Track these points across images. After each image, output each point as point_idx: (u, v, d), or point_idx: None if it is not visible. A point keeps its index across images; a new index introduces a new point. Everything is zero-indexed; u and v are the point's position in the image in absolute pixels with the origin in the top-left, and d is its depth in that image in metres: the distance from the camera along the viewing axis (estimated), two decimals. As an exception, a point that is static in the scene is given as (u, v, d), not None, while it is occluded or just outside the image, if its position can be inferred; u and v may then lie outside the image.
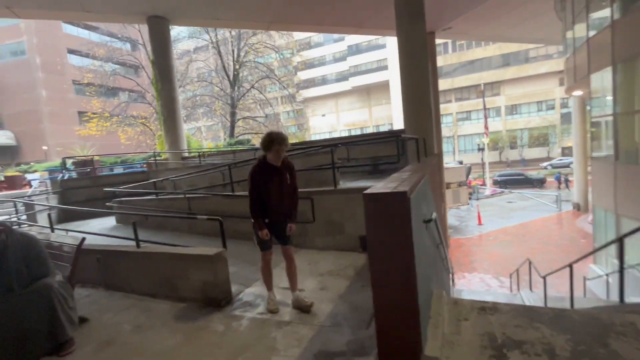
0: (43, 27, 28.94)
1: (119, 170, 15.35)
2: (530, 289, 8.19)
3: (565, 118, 34.49)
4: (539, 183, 25.97)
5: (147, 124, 22.21)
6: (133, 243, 3.66)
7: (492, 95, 38.07)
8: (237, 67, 21.74)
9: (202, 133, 33.15)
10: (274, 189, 2.79)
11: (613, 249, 8.25)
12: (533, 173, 28.10)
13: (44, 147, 27.95)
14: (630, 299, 3.65)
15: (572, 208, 18.80)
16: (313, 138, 43.94)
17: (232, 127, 21.72)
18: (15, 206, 6.25)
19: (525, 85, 37.21)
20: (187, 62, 23.51)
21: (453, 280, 9.90)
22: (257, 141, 22.38)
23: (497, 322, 2.36)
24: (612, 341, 2.05)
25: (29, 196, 7.88)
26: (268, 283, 2.96)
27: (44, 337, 2.43)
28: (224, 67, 21.99)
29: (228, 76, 22.03)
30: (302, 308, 2.75)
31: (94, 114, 21.22)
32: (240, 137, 21.04)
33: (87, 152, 12.38)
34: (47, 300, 2.47)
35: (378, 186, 2.26)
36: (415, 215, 2.01)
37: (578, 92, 13.78)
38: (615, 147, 8.49)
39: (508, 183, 27.04)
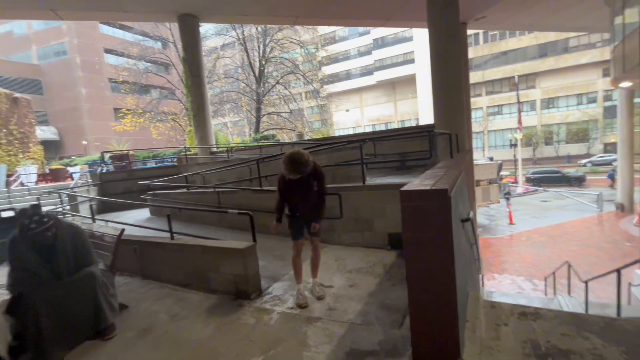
0: (82, 28, 30.64)
1: (151, 164, 16.05)
2: (569, 293, 7.73)
3: (609, 112, 32.05)
4: (578, 181, 24.38)
5: (177, 120, 23.01)
6: (167, 235, 3.80)
7: (527, 88, 36.04)
8: (263, 62, 21.95)
9: (228, 128, 33.89)
10: (297, 195, 2.96)
11: (664, 254, 7.60)
12: (571, 170, 26.44)
13: (84, 142, 29.74)
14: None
15: (615, 209, 17.53)
16: (337, 133, 43.78)
17: (258, 122, 22.03)
18: (60, 197, 6.69)
19: (563, 76, 34.85)
20: (215, 59, 24.01)
21: (482, 282, 9.55)
22: (281, 137, 22.60)
23: (541, 329, 2.23)
24: (675, 356, 1.87)
25: (72, 188, 8.41)
26: (298, 275, 3.02)
27: (88, 322, 2.58)
28: (250, 63, 22.28)
29: (254, 72, 22.31)
30: (315, 296, 2.94)
31: (128, 110, 22.26)
32: (265, 133, 21.30)
33: (122, 146, 13.02)
34: (91, 288, 2.61)
35: (414, 183, 2.18)
36: (454, 214, 1.92)
37: (626, 84, 12.71)
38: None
39: (543, 181, 25.61)
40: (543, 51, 35.55)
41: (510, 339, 2.14)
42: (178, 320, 2.80)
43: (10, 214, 3.79)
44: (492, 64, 38.22)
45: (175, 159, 14.35)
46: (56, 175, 15.74)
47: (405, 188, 1.92)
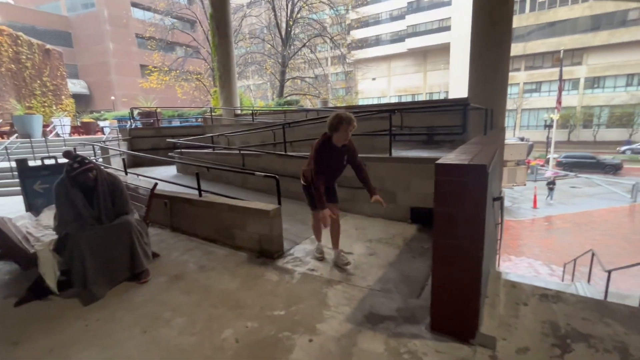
0: (109, -21, 30.21)
1: (176, 123, 16.35)
2: (588, 281, 7.61)
3: (661, 96, 29.36)
4: (613, 169, 23.02)
5: (201, 80, 22.99)
6: (196, 192, 3.94)
7: (572, 65, 33.19)
8: (290, 23, 21.15)
9: (252, 91, 33.65)
10: (333, 167, 2.87)
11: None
12: (608, 157, 24.92)
13: (112, 97, 30.48)
14: None
15: (650, 200, 16.62)
16: (361, 102, 42.61)
17: (282, 86, 21.69)
18: (93, 149, 7.01)
19: (615, 53, 31.63)
20: (241, 18, 23.34)
21: (498, 262, 9.52)
22: (304, 103, 22.25)
23: (561, 312, 2.23)
24: (702, 351, 1.84)
25: (104, 142, 8.78)
26: (318, 235, 3.19)
27: (126, 265, 2.79)
28: (277, 23, 21.52)
29: (280, 33, 21.60)
30: (340, 265, 2.95)
31: (154, 67, 22.36)
32: (289, 98, 21.01)
33: (149, 104, 13.25)
34: (128, 235, 2.79)
35: (450, 157, 2.12)
36: (489, 191, 1.88)
37: (688, 65, 11.46)
38: None
39: (575, 166, 24.35)
40: (596, 24, 32.16)
41: (530, 319, 2.16)
42: (206, 271, 2.99)
43: (52, 161, 4.01)
44: (536, 35, 35.11)
45: (199, 119, 14.55)
46: (87, 129, 16.39)
47: (441, 161, 1.88)
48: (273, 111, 11.49)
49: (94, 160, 3.20)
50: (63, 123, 14.48)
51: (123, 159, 5.21)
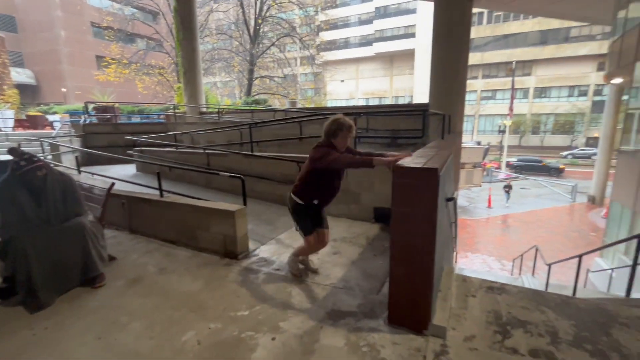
0: (62, -38, 27.92)
1: (136, 119, 15.50)
2: (533, 274, 8.32)
3: (597, 106, 32.65)
4: (557, 172, 25.30)
5: (164, 75, 21.98)
6: (155, 191, 3.81)
7: (523, 75, 35.97)
8: (259, 21, 20.88)
9: (218, 88, 32.72)
10: (336, 176, 2.66)
11: (622, 246, 8.21)
12: (552, 161, 27.31)
13: (63, 89, 28.17)
14: (635, 294, 3.70)
15: (587, 200, 18.45)
16: (330, 104, 43.02)
17: (250, 85, 21.35)
18: (42, 146, 6.47)
19: (559, 66, 34.81)
20: (207, 12, 22.64)
21: (455, 259, 10.09)
22: (272, 102, 22.07)
23: (504, 302, 2.45)
24: (615, 331, 2.13)
25: (54, 137, 8.12)
26: (306, 255, 2.95)
27: (78, 269, 2.64)
28: (245, 20, 21.15)
29: (248, 31, 21.25)
30: (311, 269, 2.94)
31: (112, 59, 21.02)
32: (257, 97, 20.73)
33: (106, 98, 12.44)
34: (81, 237, 2.65)
35: (406, 160, 2.25)
36: (440, 193, 2.03)
37: (618, 80, 12.92)
38: (647, 143, 8.12)
39: (525, 169, 26.41)
40: (544, 38, 35.16)
41: (477, 309, 2.36)
42: (167, 274, 2.91)
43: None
44: (492, 46, 37.64)
45: (162, 116, 13.93)
46: (34, 122, 15.00)
47: (398, 164, 2.00)
48: (240, 110, 11.30)
49: (43, 158, 2.99)
50: (5, 116, 13.17)
51: (76, 157, 4.88)
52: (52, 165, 2.77)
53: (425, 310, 2.03)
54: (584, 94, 34.68)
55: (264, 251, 3.37)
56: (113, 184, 3.11)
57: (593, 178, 18.70)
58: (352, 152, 2.67)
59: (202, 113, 10.74)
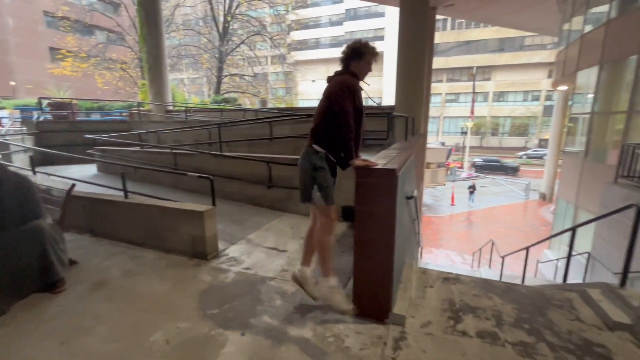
0: (8, -57, 25.63)
1: (96, 116, 14.65)
2: (490, 266, 8.95)
3: (547, 111, 35.43)
4: (513, 171, 27.15)
5: (127, 70, 20.92)
6: (119, 193, 3.71)
7: (483, 80, 38.21)
8: (228, 18, 20.49)
9: (186, 86, 31.66)
10: (358, 124, 2.20)
11: (566, 237, 9.06)
12: (509, 161, 29.25)
13: (12, 83, 25.90)
14: (571, 280, 4.17)
15: (539, 197, 20.00)
16: (301, 104, 43.02)
17: (219, 83, 20.90)
18: (-12, 144, 5.98)
19: (515, 73, 37.43)
20: (174, 7, 21.87)
21: (421, 254, 10.58)
22: (243, 101, 21.75)
23: (458, 291, 2.69)
24: (550, 312, 2.42)
25: (3, 135, 7.50)
26: (331, 262, 2.32)
27: (36, 275, 2.53)
28: (213, 17, 20.67)
29: (217, 27, 20.80)
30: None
31: (69, 52, 19.65)
32: (226, 95, 20.34)
33: (63, 94, 11.63)
34: (39, 241, 2.54)
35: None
36: (400, 191, 2.20)
37: (563, 87, 14.17)
38: (587, 145, 9.01)
39: (485, 168, 28.08)
40: (502, 46, 37.58)
41: (433, 298, 2.57)
42: (133, 276, 2.86)
43: None
44: (455, 51, 39.60)
45: (125, 114, 13.29)
46: (-23, 118, 13.73)
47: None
48: (209, 109, 11.07)
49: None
50: (-59, 111, 11.94)
51: (30, 157, 4.58)
52: (6, 165, 2.62)
53: (386, 300, 2.20)
54: (536, 98, 37.50)
55: (233, 251, 3.40)
56: (74, 184, 3.00)
57: (544, 177, 20.29)
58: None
59: (168, 111, 10.41)
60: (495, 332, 2.15)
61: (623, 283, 2.51)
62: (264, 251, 3.40)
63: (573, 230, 3.48)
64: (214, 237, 3.27)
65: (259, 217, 4.50)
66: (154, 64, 10.03)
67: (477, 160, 29.35)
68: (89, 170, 7.19)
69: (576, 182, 9.15)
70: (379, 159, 2.45)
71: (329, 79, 2.19)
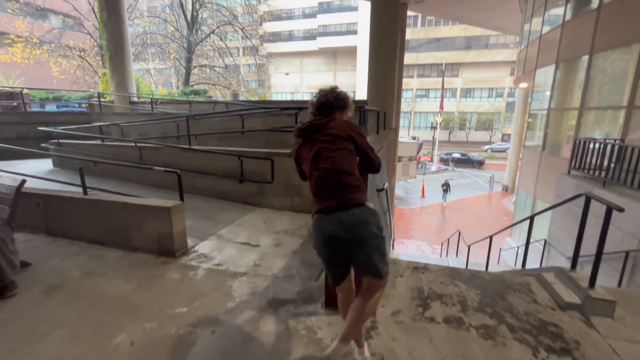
0: None
1: (51, 107, 13.59)
2: (457, 255, 9.38)
3: (510, 107, 37.40)
4: (479, 164, 28.50)
5: (86, 58, 19.51)
6: (77, 189, 3.49)
7: (451, 76, 39.55)
8: (196, 7, 19.65)
9: (152, 76, 30.13)
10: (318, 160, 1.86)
11: (526, 226, 9.67)
12: (475, 154, 30.64)
13: (-50, 69, 23.36)
14: (529, 265, 4.46)
15: (502, 189, 21.16)
16: (274, 97, 42.40)
17: (188, 74, 20.07)
18: None
19: (481, 70, 39.09)
20: (137, -8, 20.63)
21: (393, 246, 10.88)
22: (214, 93, 21.06)
23: (426, 279, 2.79)
24: (510, 296, 2.57)
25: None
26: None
27: (-17, 279, 2.33)
28: (181, 4, 19.74)
29: (185, 16, 19.90)
30: None
31: (18, 37, 17.99)
32: (196, 87, 19.60)
33: (13, 82, 10.65)
34: (-15, 243, 2.34)
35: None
36: (370, 184, 2.23)
37: (524, 84, 14.99)
38: (544, 139, 9.62)
39: (455, 162, 29.26)
40: (469, 43, 39.02)
41: (403, 287, 2.65)
42: (94, 277, 2.71)
43: None
44: (425, 48, 40.62)
45: (84, 105, 12.45)
46: None
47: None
48: (177, 101, 10.62)
49: None
50: None
51: (-28, 151, 4.18)
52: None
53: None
54: (500, 95, 39.43)
55: (203, 247, 3.31)
56: (24, 181, 2.77)
57: (506, 169, 21.46)
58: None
59: (132, 103, 9.86)
60: (461, 317, 2.25)
61: (574, 266, 2.71)
62: (235, 247, 3.34)
63: (531, 218, 3.71)
64: (183, 233, 3.16)
65: (230, 212, 4.41)
66: (115, 52, 9.43)
67: (444, 154, 30.48)
68: (44, 165, 6.68)
69: (534, 174, 9.77)
70: (350, 152, 2.47)
71: (347, 124, 1.74)
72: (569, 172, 6.39)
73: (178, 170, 3.39)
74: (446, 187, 18.13)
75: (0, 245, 2.44)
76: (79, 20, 19.83)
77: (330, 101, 1.79)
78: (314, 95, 1.86)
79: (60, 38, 18.89)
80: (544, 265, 6.41)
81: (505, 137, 37.88)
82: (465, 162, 28.90)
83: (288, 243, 3.47)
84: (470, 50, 38.92)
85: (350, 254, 1.62)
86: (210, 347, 1.92)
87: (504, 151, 32.85)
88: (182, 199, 3.27)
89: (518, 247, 8.73)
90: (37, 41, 18.13)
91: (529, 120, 12.64)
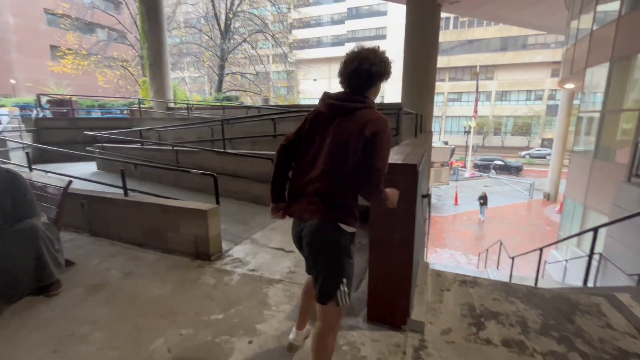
0: (9, -59, 25.51)
1: (96, 114, 14.52)
2: (497, 267, 8.78)
3: (551, 110, 35.18)
4: (516, 170, 26.93)
5: (128, 68, 20.78)
6: (119, 190, 3.56)
7: (486, 79, 37.94)
8: (230, 16, 20.33)
9: (187, 84, 31.53)
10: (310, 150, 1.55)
11: (574, 238, 8.88)
12: (512, 160, 29.03)
13: (12, 81, 25.80)
14: (575, 281, 4.02)
15: (543, 197, 19.80)
16: (303, 102, 42.81)
17: (220, 81, 20.74)
18: (-15, 141, 5.85)
19: (518, 72, 37.15)
20: (175, 4, 21.72)
21: (426, 254, 10.42)
22: (245, 99, 21.59)
23: (477, 295, 2.53)
24: (578, 318, 2.26)
25: (0, 132, 7.36)
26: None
27: (30, 277, 2.39)
28: (215, 14, 20.50)
29: (219, 25, 20.64)
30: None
31: (69, 50, 19.51)
32: (228, 93, 20.18)
33: (63, 91, 11.51)
34: (33, 242, 2.40)
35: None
36: (419, 188, 2.05)
37: (570, 85, 13.97)
38: (596, 144, 8.82)
39: (488, 168, 27.88)
40: (504, 45, 37.31)
41: (451, 302, 2.41)
42: (133, 279, 2.72)
43: None
44: (457, 50, 39.34)
45: (126, 111, 13.16)
46: (-23, 116, 13.61)
47: (377, 160, 1.98)
48: (211, 106, 10.92)
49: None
50: (-59, 108, 11.83)
51: (27, 153, 4.45)
52: (-3, 161, 2.48)
53: (404, 306, 2.04)
54: (539, 98, 37.22)
55: (238, 251, 3.25)
56: (70, 182, 2.86)
57: (548, 176, 20.08)
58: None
59: (169, 108, 10.26)
60: (522, 341, 1.99)
61: (653, 287, 2.35)
62: (269, 252, 3.25)
63: (595, 230, 3.32)
64: (218, 237, 3.12)
65: (263, 216, 4.35)
66: (155, 61, 9.88)
67: (479, 159, 29.12)
68: (89, 167, 7.05)
69: (585, 181, 8.97)
70: (394, 155, 2.30)
71: (336, 109, 1.42)
72: (629, 180, 5.76)
73: (214, 174, 3.38)
74: (483, 201, 15.95)
75: (47, 244, 2.50)
76: (123, 33, 21.19)
77: (375, 71, 1.43)
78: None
79: (106, 50, 20.25)
80: (600, 282, 5.78)
81: (545, 142, 35.64)
82: (502, 168, 27.45)
83: (323, 250, 3.32)
84: (507, 52, 37.16)
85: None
86: (248, 359, 1.81)
87: (544, 157, 30.88)
88: (217, 202, 3.24)
89: (567, 261, 8.02)
90: (85, 53, 19.55)
91: (577, 123, 11.72)
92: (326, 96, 1.49)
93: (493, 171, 26.88)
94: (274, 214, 1.65)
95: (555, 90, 33.52)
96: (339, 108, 1.42)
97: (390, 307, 2.07)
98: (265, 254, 3.21)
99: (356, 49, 1.49)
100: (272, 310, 2.28)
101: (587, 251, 6.99)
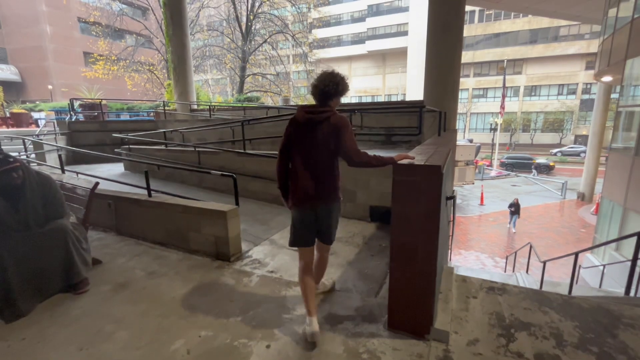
0: (46, -46, 27.11)
1: (125, 117, 15.16)
2: (527, 271, 8.36)
3: (585, 105, 33.20)
4: (547, 169, 25.63)
5: (154, 72, 21.56)
6: (144, 191, 3.66)
7: (513, 74, 36.34)
8: (250, 18, 20.60)
9: (210, 86, 32.29)
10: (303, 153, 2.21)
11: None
12: (542, 158, 27.67)
13: (49, 86, 27.45)
14: (614, 288, 3.71)
15: (577, 197, 18.72)
16: (322, 102, 42.62)
17: (242, 82, 21.09)
18: (24, 144, 6.21)
19: (549, 65, 35.26)
20: (198, 8, 22.27)
21: (450, 257, 10.11)
22: (265, 100, 21.83)
23: (506, 303, 2.38)
24: (621, 332, 2.07)
25: (37, 135, 7.83)
26: (307, 302, 2.06)
27: (59, 275, 2.49)
28: (236, 17, 20.85)
29: (240, 27, 20.97)
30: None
31: (100, 55, 20.51)
32: (249, 94, 20.49)
33: (94, 95, 12.10)
34: (62, 241, 2.50)
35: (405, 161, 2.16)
36: (443, 190, 1.94)
37: (607, 78, 13.09)
38: (638, 140, 8.20)
39: (515, 166, 26.71)
40: (534, 37, 35.54)
41: (478, 311, 2.28)
42: (156, 278, 2.77)
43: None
44: (483, 45, 37.92)
45: (151, 114, 13.64)
46: (18, 120, 14.57)
47: (399, 162, 1.90)
48: (232, 107, 11.10)
49: (23, 157, 2.81)
50: (-13, 113, 12.73)
51: (59, 155, 4.68)
52: (29, 164, 2.60)
53: (427, 313, 1.95)
54: (572, 92, 35.17)
55: (257, 252, 3.25)
56: (97, 183, 2.96)
57: (582, 175, 18.96)
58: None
59: (193, 110, 10.52)
60: (558, 355, 1.85)
61: None
62: (288, 253, 3.23)
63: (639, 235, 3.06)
64: (237, 237, 3.14)
65: (283, 216, 4.34)
66: (178, 64, 10.17)
67: (505, 157, 27.92)
68: (117, 168, 7.35)
69: (624, 180, 8.37)
70: (417, 155, 2.20)
71: (312, 116, 2.05)
72: (676, 179, 5.29)
73: (234, 175, 3.40)
74: (515, 209, 14.02)
75: (75, 243, 2.59)
76: (149, 38, 22.00)
77: (331, 88, 2.08)
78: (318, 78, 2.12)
79: (134, 55, 21.10)
80: (642, 289, 5.36)
81: (579, 139, 33.71)
82: (531, 166, 26.20)
83: (342, 252, 3.27)
84: (536, 44, 35.34)
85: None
86: (266, 364, 1.79)
87: (578, 155, 29.24)
88: (237, 203, 3.26)
89: (604, 266, 7.50)
90: (115, 58, 20.46)
91: (615, 119, 10.95)
92: (302, 108, 2.13)
93: (534, 171, 25.52)
94: (289, 205, 2.26)
95: (591, 83, 31.66)
96: (315, 117, 2.04)
97: (412, 314, 1.98)
98: (284, 255, 3.19)
99: (322, 76, 2.12)
100: (290, 313, 2.25)
101: (628, 256, 6.52)
